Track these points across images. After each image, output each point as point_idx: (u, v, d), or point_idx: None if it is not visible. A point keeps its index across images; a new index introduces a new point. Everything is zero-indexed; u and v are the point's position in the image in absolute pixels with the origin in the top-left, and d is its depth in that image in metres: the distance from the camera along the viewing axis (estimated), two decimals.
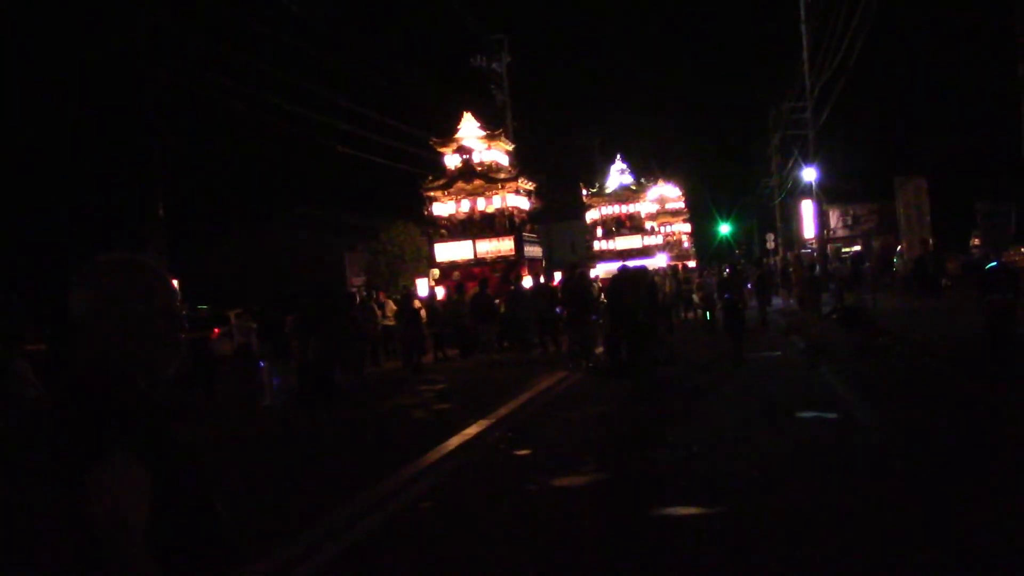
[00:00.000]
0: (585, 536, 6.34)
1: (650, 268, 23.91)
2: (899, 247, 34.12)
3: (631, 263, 19.74)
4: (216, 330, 22.63)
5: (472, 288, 21.92)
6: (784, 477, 7.47)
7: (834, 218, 47.11)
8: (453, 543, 6.31)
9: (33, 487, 1.79)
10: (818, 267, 28.75)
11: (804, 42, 30.51)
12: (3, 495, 1.82)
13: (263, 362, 15.48)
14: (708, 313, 25.24)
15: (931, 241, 29.83)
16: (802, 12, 30.51)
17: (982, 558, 5.17)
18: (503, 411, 12.02)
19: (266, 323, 15.71)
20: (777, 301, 30.37)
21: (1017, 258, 24.30)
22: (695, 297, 28.75)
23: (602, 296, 20.41)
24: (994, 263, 12.81)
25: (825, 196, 36.70)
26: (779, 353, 17.29)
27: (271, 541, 6.09)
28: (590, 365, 16.96)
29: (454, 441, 9.98)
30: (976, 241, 31.39)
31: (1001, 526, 5.69)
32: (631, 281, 15.81)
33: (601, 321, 18.35)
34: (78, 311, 2.03)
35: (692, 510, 6.65)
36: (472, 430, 10.62)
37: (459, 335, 21.58)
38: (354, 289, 30.87)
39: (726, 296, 17.63)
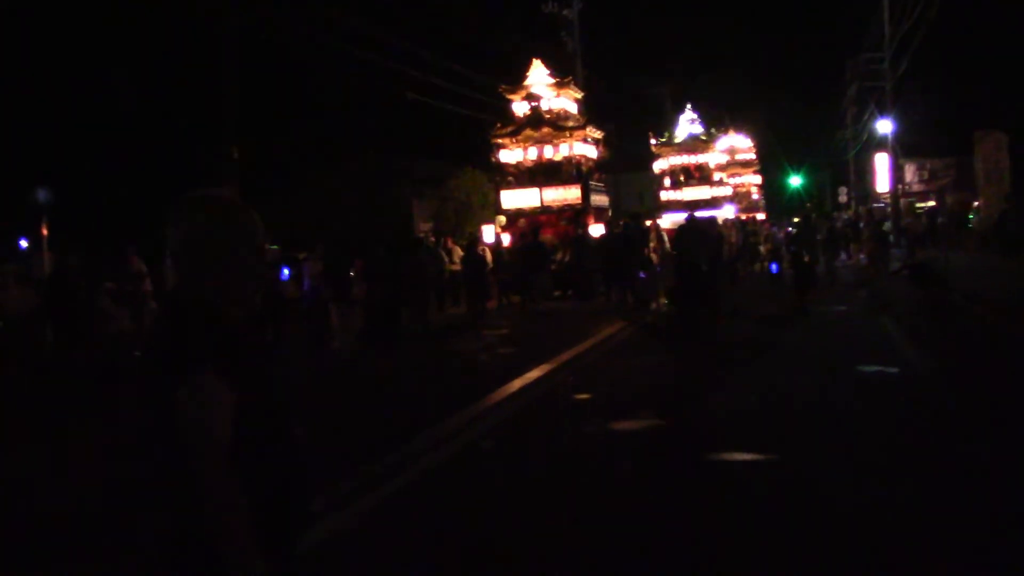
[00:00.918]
0: (639, 476, 6.52)
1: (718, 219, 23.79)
2: (976, 203, 33.30)
3: (699, 214, 19.65)
4: (285, 271, 23.06)
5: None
6: (842, 427, 7.53)
7: (909, 172, 46.03)
8: (512, 480, 6.54)
9: (124, 408, 2.00)
10: (889, 222, 28.25)
11: None
12: (99, 417, 2.03)
13: (331, 304, 15.83)
14: (775, 265, 25.06)
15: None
16: None
17: None
18: (564, 356, 12.19)
19: (332, 266, 16.06)
20: (845, 256, 29.91)
21: None
22: (762, 249, 28.54)
23: (668, 246, 20.41)
24: None
25: (901, 150, 35.92)
26: (844, 307, 17.15)
27: (337, 472, 6.37)
28: (649, 316, 17.02)
29: (516, 384, 10.20)
30: None
31: None
32: (697, 232, 15.77)
33: (663, 272, 18.38)
34: (172, 244, 2.23)
35: (747, 456, 6.77)
36: (534, 374, 10.83)
37: (523, 281, 21.75)
38: (422, 235, 31.20)
39: (792, 248, 17.51)
